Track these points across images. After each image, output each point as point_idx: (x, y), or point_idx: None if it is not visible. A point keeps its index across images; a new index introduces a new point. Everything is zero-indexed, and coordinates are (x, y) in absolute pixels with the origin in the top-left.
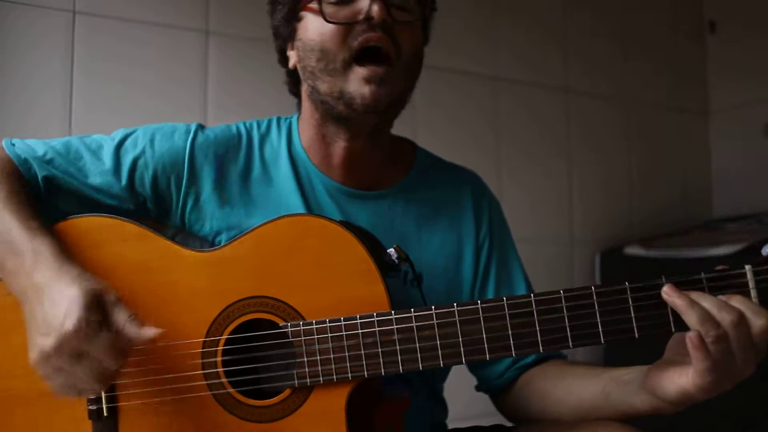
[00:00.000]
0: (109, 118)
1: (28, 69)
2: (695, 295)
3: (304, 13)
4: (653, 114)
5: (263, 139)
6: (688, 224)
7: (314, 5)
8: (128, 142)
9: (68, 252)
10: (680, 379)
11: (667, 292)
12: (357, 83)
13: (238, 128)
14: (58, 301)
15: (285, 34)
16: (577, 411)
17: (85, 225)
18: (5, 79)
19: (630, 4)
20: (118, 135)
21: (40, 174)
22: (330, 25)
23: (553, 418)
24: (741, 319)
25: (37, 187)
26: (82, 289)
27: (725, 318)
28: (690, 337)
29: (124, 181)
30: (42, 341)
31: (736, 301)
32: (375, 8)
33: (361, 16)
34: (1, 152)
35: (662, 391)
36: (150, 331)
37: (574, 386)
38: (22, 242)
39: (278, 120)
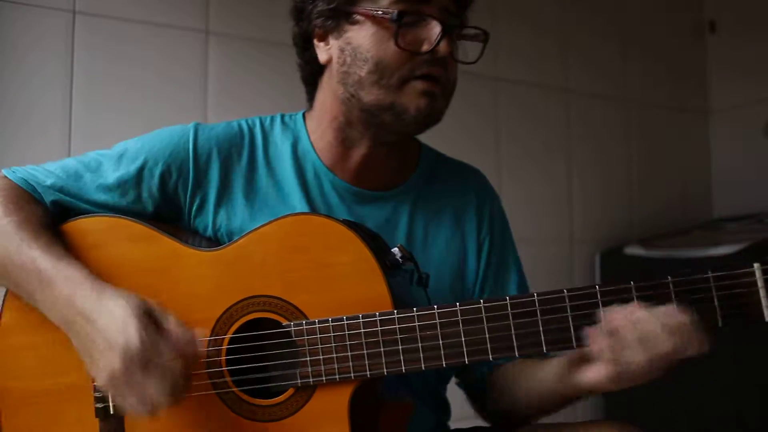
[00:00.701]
0: (109, 118)
1: (28, 69)
2: (641, 318)
3: (360, 18)
4: (653, 114)
5: (267, 136)
6: (688, 224)
7: (383, 18)
8: (128, 155)
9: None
10: (591, 374)
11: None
12: (414, 96)
13: (240, 125)
14: (111, 320)
15: (322, 24)
16: (532, 399)
17: (90, 225)
18: (5, 79)
19: (630, 4)
20: (115, 149)
21: (48, 199)
22: (394, 44)
23: (523, 409)
24: (678, 348)
25: (47, 210)
26: (131, 303)
27: (663, 344)
28: (592, 335)
29: (130, 193)
30: (108, 361)
31: (681, 321)
32: (443, 45)
33: (426, 46)
34: (5, 181)
35: (576, 381)
36: (199, 331)
37: (525, 376)
38: (51, 271)
39: (282, 117)
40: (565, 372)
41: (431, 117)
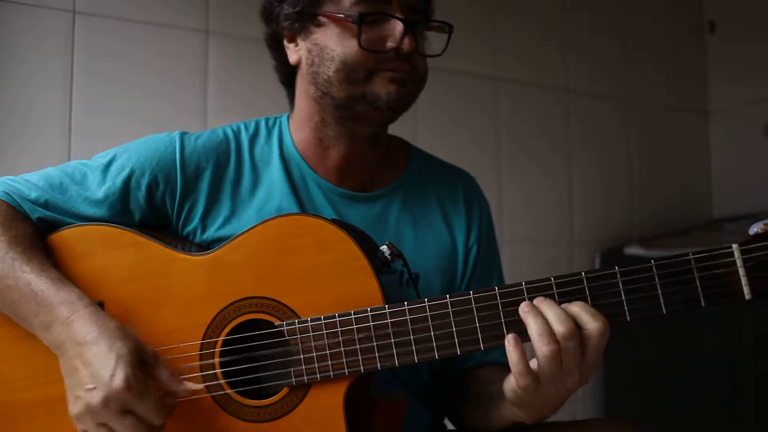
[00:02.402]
0: (109, 119)
1: (28, 69)
2: (544, 305)
3: (325, 20)
4: (653, 114)
5: (252, 141)
6: (688, 224)
7: (345, 20)
8: (114, 166)
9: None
10: (510, 379)
11: (522, 308)
12: (383, 83)
13: (225, 132)
14: (104, 357)
15: (288, 27)
16: (484, 408)
17: (77, 235)
18: (5, 79)
19: (630, 4)
20: (101, 160)
21: (33, 216)
22: (357, 44)
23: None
24: (573, 333)
25: (35, 226)
26: (128, 346)
27: (559, 330)
28: (507, 338)
29: (117, 205)
30: (88, 396)
31: (576, 308)
32: (406, 42)
33: (390, 44)
34: None
35: (505, 390)
36: (193, 386)
37: (484, 388)
38: (48, 295)
39: (266, 120)
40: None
41: (402, 102)
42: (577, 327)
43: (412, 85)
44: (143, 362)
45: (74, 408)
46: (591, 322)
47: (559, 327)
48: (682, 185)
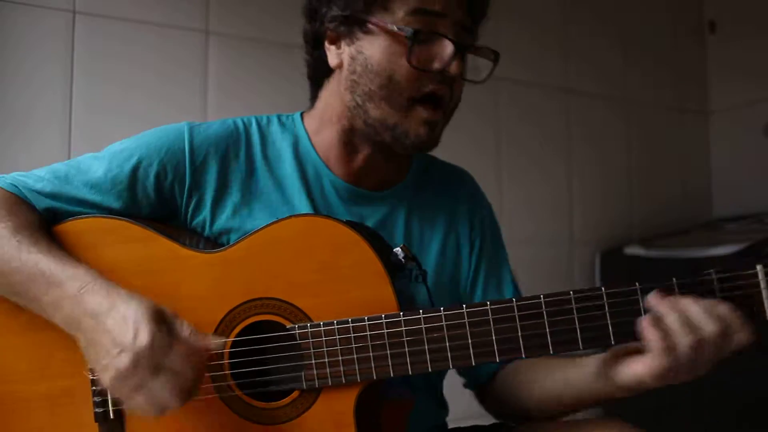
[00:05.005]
0: (109, 118)
1: (29, 69)
2: (684, 302)
3: (374, 29)
4: (653, 114)
5: (264, 136)
6: (688, 224)
7: (398, 34)
8: (122, 155)
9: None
10: (636, 366)
11: (650, 300)
12: (417, 123)
13: (236, 124)
14: (123, 321)
15: (335, 28)
16: (547, 399)
17: (85, 226)
18: (5, 79)
19: (630, 4)
20: (108, 151)
21: (40, 206)
22: (406, 61)
23: (528, 409)
24: (724, 331)
25: (41, 215)
26: (144, 305)
27: (708, 326)
28: (643, 324)
29: (125, 195)
30: (116, 361)
31: (723, 310)
32: (454, 66)
33: (437, 65)
34: None
35: (618, 377)
36: (217, 340)
37: (541, 375)
38: (56, 272)
39: (279, 117)
40: (603, 370)
41: (427, 145)
42: (727, 326)
43: (443, 124)
44: (163, 319)
45: (105, 377)
46: (736, 334)
47: (710, 324)
48: (681, 185)
